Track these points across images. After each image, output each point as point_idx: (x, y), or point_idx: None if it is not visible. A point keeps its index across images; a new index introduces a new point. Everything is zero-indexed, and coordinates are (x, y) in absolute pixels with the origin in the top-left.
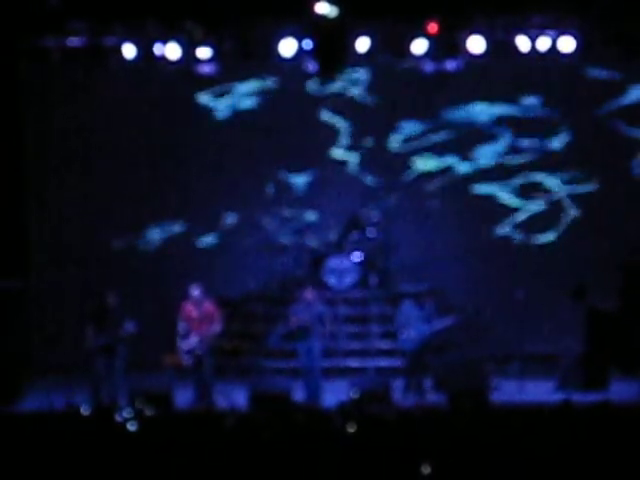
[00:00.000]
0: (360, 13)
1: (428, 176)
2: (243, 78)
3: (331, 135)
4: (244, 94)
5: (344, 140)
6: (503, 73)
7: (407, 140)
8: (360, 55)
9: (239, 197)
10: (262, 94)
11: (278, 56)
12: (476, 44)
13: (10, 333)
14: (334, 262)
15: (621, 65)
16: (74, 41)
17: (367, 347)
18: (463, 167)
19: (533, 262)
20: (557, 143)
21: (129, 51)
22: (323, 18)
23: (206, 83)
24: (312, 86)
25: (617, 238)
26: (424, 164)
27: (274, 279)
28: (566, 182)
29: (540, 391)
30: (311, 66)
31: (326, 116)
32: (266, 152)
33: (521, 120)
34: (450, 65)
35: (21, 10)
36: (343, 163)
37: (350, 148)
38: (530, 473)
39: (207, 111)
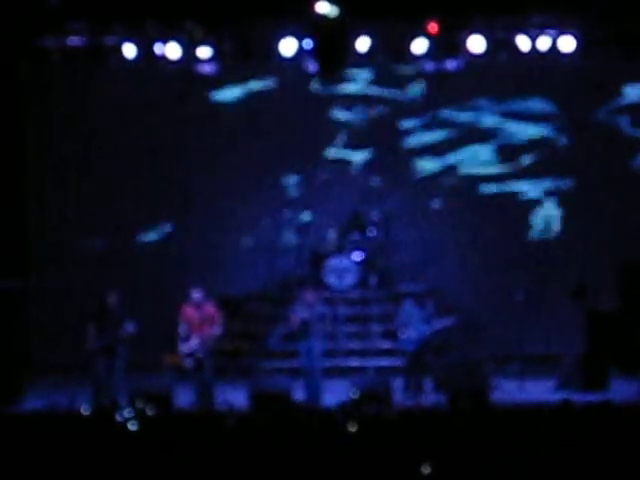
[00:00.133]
0: (360, 13)
1: (429, 176)
2: (243, 78)
3: (332, 135)
4: (245, 94)
5: (345, 140)
6: (503, 73)
7: (409, 140)
8: (360, 55)
9: (239, 197)
10: (263, 94)
11: (278, 56)
12: (476, 44)
13: (10, 333)
14: (334, 262)
15: (621, 65)
16: (74, 41)
17: (367, 347)
18: (464, 167)
19: (533, 262)
20: (557, 143)
21: (129, 51)
22: (323, 18)
23: (206, 82)
24: (313, 85)
25: (617, 238)
26: (425, 164)
27: (274, 279)
28: (565, 182)
29: (540, 391)
30: (311, 66)
31: (327, 116)
32: (266, 151)
33: (521, 120)
34: (450, 65)
35: (21, 10)
36: (343, 163)
37: (351, 148)
38: (530, 473)
39: (207, 111)
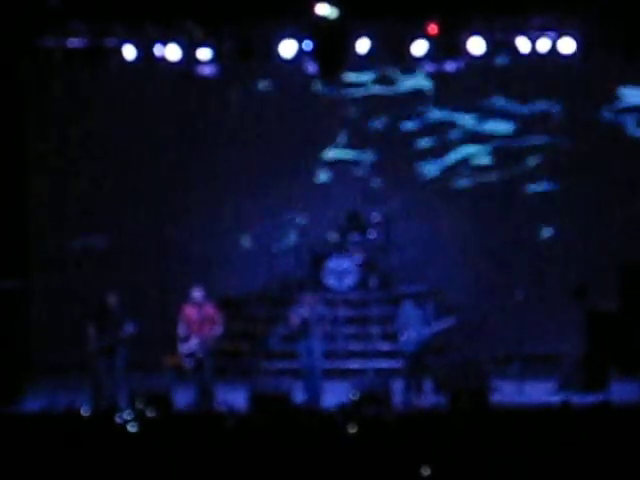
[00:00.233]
0: (360, 14)
1: (429, 177)
2: (243, 79)
3: (331, 136)
4: (245, 95)
5: (345, 141)
6: (503, 74)
7: (409, 141)
8: (360, 56)
9: (239, 197)
10: (262, 95)
11: (278, 57)
12: (476, 45)
13: (10, 333)
14: (334, 263)
15: (621, 66)
16: (74, 42)
17: (367, 348)
18: (464, 168)
19: (533, 262)
20: (558, 144)
21: (129, 52)
22: (323, 19)
23: (206, 84)
24: (313, 87)
25: (617, 238)
26: (425, 165)
27: (274, 280)
28: (565, 182)
29: (540, 392)
30: (311, 67)
31: (327, 117)
32: (266, 152)
33: (522, 119)
34: (450, 66)
35: (21, 10)
36: (343, 164)
37: (351, 149)
38: (530, 474)
39: (207, 112)
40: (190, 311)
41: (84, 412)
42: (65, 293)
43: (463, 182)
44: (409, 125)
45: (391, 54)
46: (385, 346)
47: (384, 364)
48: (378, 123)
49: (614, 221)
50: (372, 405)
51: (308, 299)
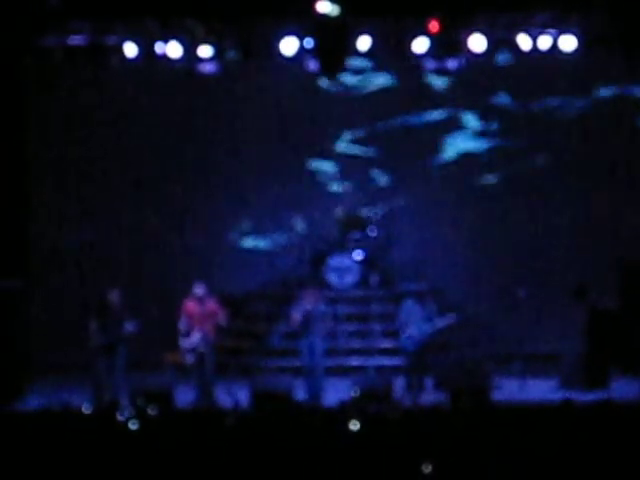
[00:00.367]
0: (361, 12)
1: (432, 175)
2: (244, 77)
3: (333, 134)
4: (246, 93)
5: (347, 138)
6: (504, 72)
7: (411, 138)
8: (361, 54)
9: (240, 196)
10: (263, 92)
11: (279, 55)
12: (477, 43)
13: (10, 333)
14: (335, 261)
15: (622, 64)
16: (75, 40)
17: (368, 346)
18: (466, 166)
19: (534, 262)
20: (558, 142)
21: (130, 50)
22: (324, 17)
23: (207, 82)
24: (315, 84)
25: (617, 238)
26: (426, 163)
27: (275, 278)
28: (566, 181)
29: (541, 390)
30: (312, 65)
31: (328, 114)
32: (267, 150)
33: (521, 119)
34: (451, 64)
35: (22, 9)
36: (345, 161)
37: (353, 146)
38: (531, 472)
39: (208, 111)
40: (191, 306)
41: (85, 410)
42: (65, 293)
43: (464, 180)
44: (410, 122)
45: (392, 52)
46: (386, 344)
47: (385, 362)
48: (379, 121)
49: (614, 221)
50: (373, 403)
51: (309, 294)
